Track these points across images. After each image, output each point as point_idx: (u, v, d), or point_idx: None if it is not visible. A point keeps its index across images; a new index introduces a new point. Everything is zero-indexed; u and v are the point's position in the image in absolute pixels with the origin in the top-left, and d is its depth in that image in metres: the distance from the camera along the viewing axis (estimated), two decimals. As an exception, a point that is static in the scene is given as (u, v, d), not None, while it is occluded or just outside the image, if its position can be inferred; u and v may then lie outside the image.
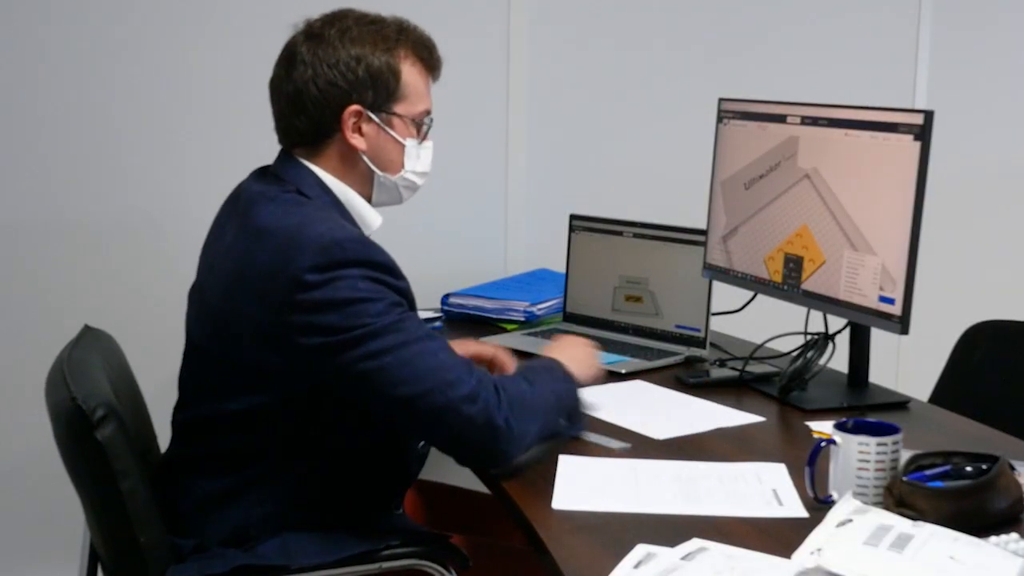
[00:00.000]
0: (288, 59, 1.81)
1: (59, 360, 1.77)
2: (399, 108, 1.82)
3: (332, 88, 1.77)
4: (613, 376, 2.32)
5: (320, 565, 1.72)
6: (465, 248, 3.05)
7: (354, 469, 1.79)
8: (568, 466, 1.79)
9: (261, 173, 1.86)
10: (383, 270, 1.67)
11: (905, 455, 1.60)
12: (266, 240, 1.69)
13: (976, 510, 1.49)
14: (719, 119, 2.47)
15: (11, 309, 2.70)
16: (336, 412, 1.73)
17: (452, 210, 3.00)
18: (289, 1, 2.79)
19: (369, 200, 1.87)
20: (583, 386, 1.91)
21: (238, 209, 1.80)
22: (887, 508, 1.51)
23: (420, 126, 1.87)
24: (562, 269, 2.73)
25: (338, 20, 1.81)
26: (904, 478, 1.53)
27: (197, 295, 1.85)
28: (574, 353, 1.99)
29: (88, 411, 1.61)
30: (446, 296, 2.79)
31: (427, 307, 2.75)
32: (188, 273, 2.01)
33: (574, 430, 1.86)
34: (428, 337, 1.67)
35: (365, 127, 1.81)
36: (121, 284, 2.75)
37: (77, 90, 2.67)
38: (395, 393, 1.63)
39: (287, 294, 1.63)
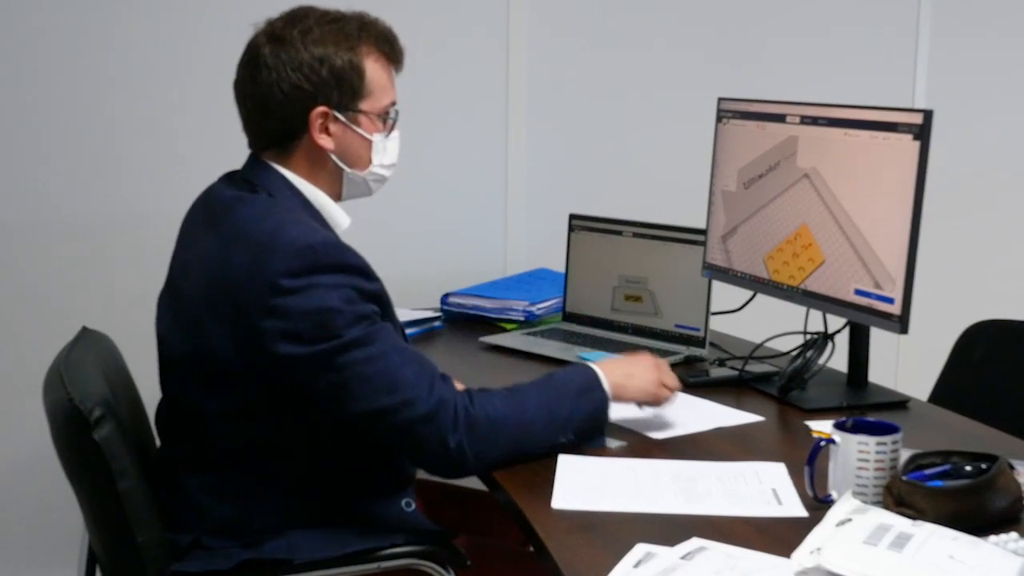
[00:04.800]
0: (251, 62, 1.79)
1: (56, 361, 1.77)
2: (364, 105, 1.81)
3: (297, 91, 1.76)
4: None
5: (323, 560, 1.72)
6: (465, 248, 3.05)
7: (345, 465, 1.78)
8: (567, 466, 1.79)
9: (229, 177, 1.86)
10: (355, 272, 1.68)
11: (904, 454, 1.60)
12: (241, 244, 1.68)
13: (975, 509, 1.49)
14: (718, 118, 2.46)
15: (9, 310, 2.69)
16: (315, 412, 1.71)
17: (452, 210, 3.00)
18: (290, 2, 2.83)
19: (339, 197, 1.87)
20: (621, 401, 1.88)
21: (211, 213, 1.79)
22: (886, 507, 1.50)
23: (386, 119, 1.86)
24: (562, 269, 2.73)
25: (299, 20, 1.79)
26: (903, 477, 1.53)
27: (171, 300, 1.82)
28: (630, 369, 1.91)
29: (85, 411, 1.61)
30: (446, 296, 2.79)
31: (427, 306, 2.75)
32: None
33: (581, 442, 1.82)
34: (394, 350, 1.68)
35: (332, 127, 1.79)
36: (119, 286, 2.74)
37: (77, 90, 2.67)
38: (355, 409, 1.66)
39: (262, 298, 1.64)
